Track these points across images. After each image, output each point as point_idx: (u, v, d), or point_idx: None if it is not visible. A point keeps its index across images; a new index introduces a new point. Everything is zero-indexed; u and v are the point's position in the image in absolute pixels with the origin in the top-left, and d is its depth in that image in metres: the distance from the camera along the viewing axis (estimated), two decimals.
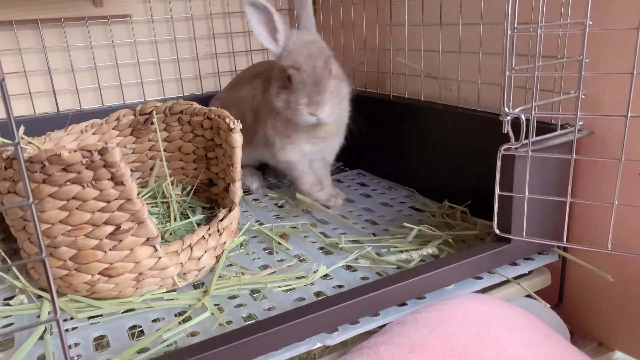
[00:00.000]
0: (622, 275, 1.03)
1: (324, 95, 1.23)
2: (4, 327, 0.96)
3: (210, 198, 1.36)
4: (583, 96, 0.92)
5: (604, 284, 1.05)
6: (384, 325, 0.92)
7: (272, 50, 1.33)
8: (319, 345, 0.86)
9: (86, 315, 0.97)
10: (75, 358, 0.86)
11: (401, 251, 1.13)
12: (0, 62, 0.48)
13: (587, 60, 0.95)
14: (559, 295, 1.17)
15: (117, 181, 0.90)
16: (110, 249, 0.95)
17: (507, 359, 0.81)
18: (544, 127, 1.02)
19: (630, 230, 1.00)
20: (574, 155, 0.88)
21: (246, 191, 1.58)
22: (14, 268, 1.09)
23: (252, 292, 1.02)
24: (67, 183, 0.90)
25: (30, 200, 0.56)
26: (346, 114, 1.41)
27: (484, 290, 1.03)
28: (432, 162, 1.43)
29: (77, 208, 0.92)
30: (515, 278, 1.07)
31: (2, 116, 1.55)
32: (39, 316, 0.98)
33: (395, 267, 1.08)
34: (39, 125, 1.50)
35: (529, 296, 1.07)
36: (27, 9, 1.52)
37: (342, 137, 1.46)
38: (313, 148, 1.39)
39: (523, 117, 0.89)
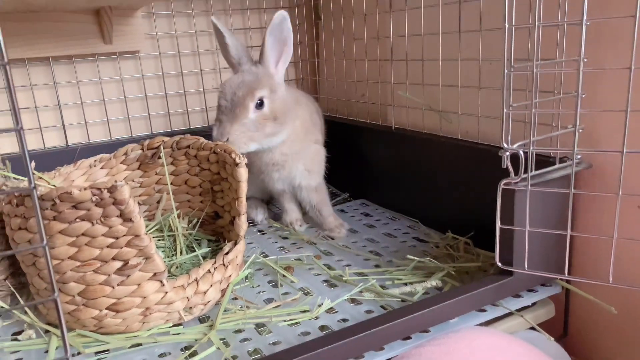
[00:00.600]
0: (626, 306, 1.03)
1: (232, 123, 1.27)
2: None
3: (216, 230, 1.37)
4: (580, 130, 0.94)
5: (608, 316, 1.05)
6: None
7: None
8: None
9: (93, 350, 0.98)
10: None
11: (405, 283, 1.14)
12: (19, 109, 0.51)
13: (584, 96, 0.98)
14: (564, 327, 1.17)
15: (126, 218, 0.92)
16: (118, 284, 0.97)
17: None
18: (543, 161, 1.04)
19: (632, 262, 1.01)
20: (573, 189, 0.90)
21: (251, 222, 1.60)
22: (22, 303, 1.10)
23: (258, 326, 1.03)
24: (77, 220, 0.92)
25: (44, 242, 0.58)
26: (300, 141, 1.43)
27: (487, 323, 1.04)
28: (435, 193, 1.45)
29: (86, 244, 0.94)
30: (519, 310, 1.07)
31: (12, 150, 1.59)
32: (46, 351, 0.99)
33: (400, 299, 1.09)
34: (48, 159, 1.55)
35: (532, 328, 1.07)
36: (40, 48, 1.57)
37: (308, 161, 1.47)
38: (269, 176, 1.46)
39: (521, 152, 0.91)
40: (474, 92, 1.28)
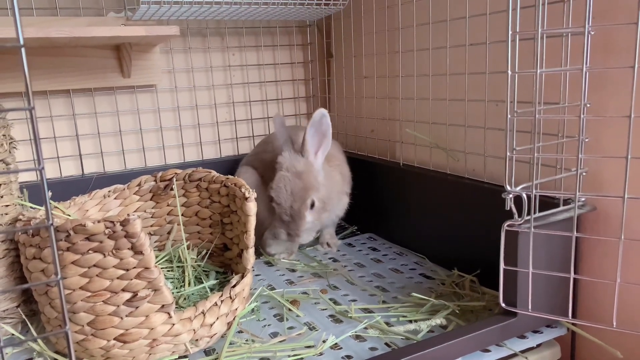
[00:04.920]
0: (632, 350, 1.03)
1: (298, 232, 1.45)
2: None
3: (224, 262, 1.39)
4: (584, 174, 0.96)
5: (615, 359, 1.04)
6: None
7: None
8: None
9: None
10: None
11: (410, 321, 1.14)
12: (41, 151, 0.54)
13: (587, 140, 1.00)
14: None
15: (137, 250, 0.95)
16: (126, 315, 0.99)
17: None
18: (547, 202, 1.05)
19: (637, 306, 1.01)
20: (575, 232, 0.91)
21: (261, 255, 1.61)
22: (32, 331, 1.13)
23: None
24: (90, 251, 0.95)
25: (59, 276, 0.61)
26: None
27: None
28: (442, 229, 1.46)
29: (97, 275, 0.97)
30: (524, 351, 1.07)
31: (30, 178, 1.63)
32: None
33: (404, 337, 1.09)
34: (64, 187, 1.59)
35: None
36: (61, 81, 1.63)
37: (338, 211, 1.64)
38: None
39: (525, 195, 0.92)
40: (480, 132, 1.31)
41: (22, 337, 1.13)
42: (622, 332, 1.02)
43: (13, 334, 1.13)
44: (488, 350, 1.04)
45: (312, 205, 1.44)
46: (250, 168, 1.69)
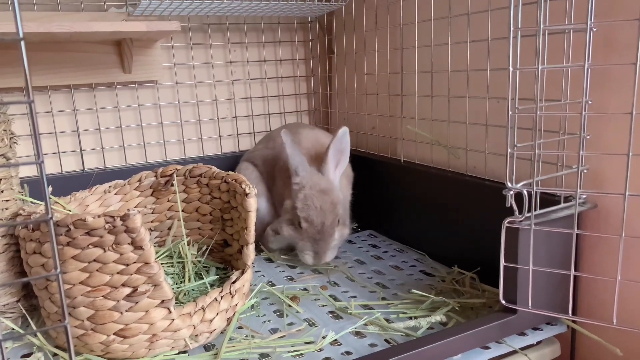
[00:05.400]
0: (632, 348, 1.03)
1: (326, 250, 1.41)
2: None
3: (224, 258, 1.39)
4: (585, 171, 0.96)
5: (615, 357, 1.04)
6: None
7: (293, 178, 1.45)
8: None
9: None
10: None
11: (410, 317, 1.14)
12: (40, 144, 0.54)
13: (589, 137, 1.00)
14: None
15: (137, 245, 0.95)
16: (126, 310, 0.99)
17: None
18: (548, 200, 1.05)
19: (637, 304, 1.00)
20: (576, 229, 0.91)
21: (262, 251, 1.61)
22: (33, 325, 1.13)
23: (262, 355, 1.04)
24: (90, 246, 0.95)
25: (58, 270, 0.61)
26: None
27: None
28: (442, 226, 1.46)
29: (97, 270, 0.97)
30: (524, 348, 1.07)
31: (30, 173, 1.63)
32: None
33: (404, 334, 1.09)
34: (65, 183, 1.59)
35: None
36: (62, 76, 1.63)
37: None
38: None
39: (525, 191, 0.92)
40: (481, 129, 1.30)
41: (22, 332, 1.13)
42: (622, 330, 1.02)
43: (13, 329, 1.13)
44: (488, 347, 1.04)
45: (338, 221, 1.43)
46: (251, 165, 1.69)
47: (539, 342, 1.10)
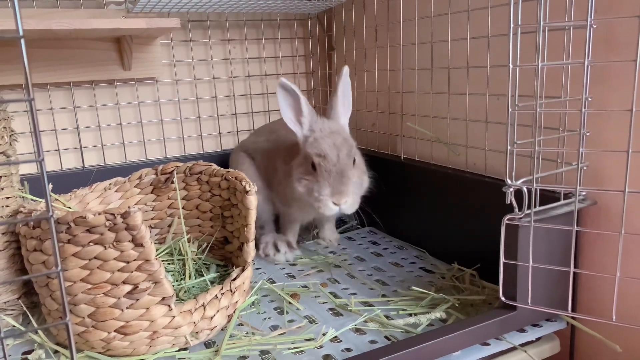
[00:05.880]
0: (631, 345, 1.03)
1: (347, 185, 1.28)
2: None
3: (224, 255, 1.40)
4: (585, 168, 0.96)
5: (614, 354, 1.05)
6: None
7: (296, 132, 1.39)
8: None
9: None
10: None
11: (409, 314, 1.14)
12: (41, 143, 0.54)
13: (588, 134, 1.00)
14: None
15: (137, 243, 0.95)
16: (127, 308, 0.99)
17: None
18: (548, 196, 1.05)
19: (637, 301, 1.01)
20: (575, 226, 0.91)
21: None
22: (34, 323, 1.13)
23: (262, 352, 1.04)
24: (90, 243, 0.95)
25: (59, 268, 0.61)
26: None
27: (491, 357, 1.04)
28: (442, 223, 1.46)
29: (98, 267, 0.97)
30: (524, 345, 1.07)
31: (30, 171, 1.63)
32: None
33: (403, 330, 1.09)
34: (65, 180, 1.59)
35: None
36: (61, 73, 1.63)
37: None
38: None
39: (525, 189, 0.92)
40: (481, 126, 1.30)
41: (23, 329, 1.13)
42: (622, 327, 1.03)
43: (14, 326, 1.14)
44: (487, 344, 1.04)
45: (354, 160, 1.34)
46: (247, 157, 1.66)
47: (538, 339, 1.10)
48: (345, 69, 1.39)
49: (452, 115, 1.41)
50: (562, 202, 1.03)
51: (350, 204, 1.29)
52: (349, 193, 1.27)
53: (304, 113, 1.36)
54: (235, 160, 1.69)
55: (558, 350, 1.12)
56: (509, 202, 0.95)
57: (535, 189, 0.95)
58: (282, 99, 1.36)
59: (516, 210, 0.96)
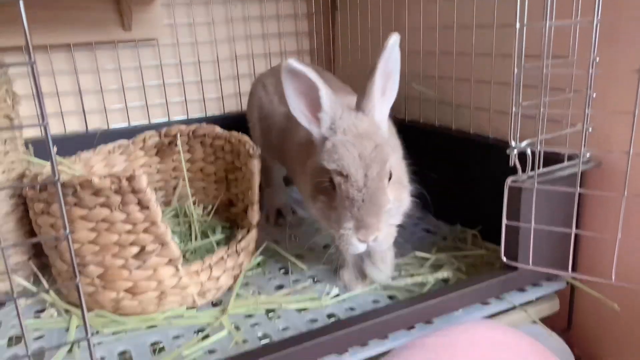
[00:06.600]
0: (630, 304, 1.05)
1: (379, 216, 0.93)
2: (35, 339, 1.02)
3: (229, 218, 1.41)
4: (590, 130, 0.95)
5: (612, 312, 1.07)
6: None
7: (313, 133, 1.01)
8: None
9: (111, 330, 1.03)
10: None
11: (412, 275, 1.16)
12: (44, 106, 0.54)
13: (595, 95, 0.98)
14: (568, 321, 1.19)
15: (143, 206, 0.96)
16: (135, 269, 1.01)
17: None
18: (552, 158, 1.05)
19: (637, 262, 1.02)
20: (578, 188, 0.91)
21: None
22: (45, 283, 1.16)
23: (268, 311, 1.07)
24: (97, 206, 0.96)
25: (67, 231, 0.62)
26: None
27: (492, 316, 1.06)
28: (446, 185, 1.46)
29: (105, 230, 0.98)
30: (524, 304, 1.09)
31: (35, 134, 1.63)
32: (67, 329, 1.04)
33: (406, 291, 1.12)
34: (68, 143, 1.58)
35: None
36: (61, 34, 1.61)
37: None
38: None
39: (529, 150, 0.92)
40: (486, 87, 1.29)
41: (35, 289, 1.16)
42: (621, 287, 1.04)
43: (26, 287, 1.16)
44: (488, 303, 1.06)
45: (390, 176, 0.98)
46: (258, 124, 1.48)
47: (538, 298, 1.12)
48: (393, 39, 0.99)
49: (457, 76, 1.39)
50: (565, 163, 1.03)
51: (382, 239, 0.94)
52: (379, 228, 0.92)
53: (324, 107, 0.98)
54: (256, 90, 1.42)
55: (557, 309, 1.14)
56: (512, 164, 0.95)
57: (539, 151, 0.95)
58: (290, 87, 0.98)
59: (520, 172, 0.96)
